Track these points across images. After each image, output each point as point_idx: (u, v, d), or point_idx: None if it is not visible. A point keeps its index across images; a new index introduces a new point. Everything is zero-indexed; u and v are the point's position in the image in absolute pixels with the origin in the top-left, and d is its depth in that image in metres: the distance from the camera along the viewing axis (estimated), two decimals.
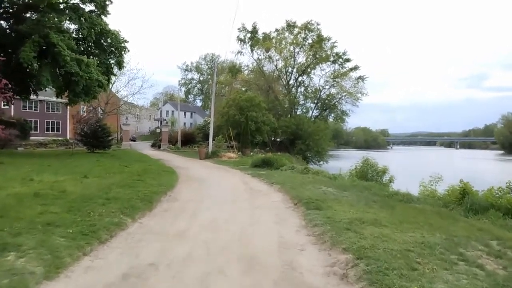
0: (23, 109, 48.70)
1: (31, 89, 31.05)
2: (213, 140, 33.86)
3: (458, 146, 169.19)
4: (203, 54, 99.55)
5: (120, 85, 54.02)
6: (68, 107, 45.56)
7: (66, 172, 13.86)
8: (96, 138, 33.87)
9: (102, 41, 31.96)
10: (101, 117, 51.82)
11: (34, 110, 50.34)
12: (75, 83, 26.68)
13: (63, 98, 32.12)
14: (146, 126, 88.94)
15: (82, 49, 31.80)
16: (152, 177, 13.61)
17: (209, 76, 70.35)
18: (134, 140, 71.06)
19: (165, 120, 65.12)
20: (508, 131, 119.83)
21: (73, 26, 30.23)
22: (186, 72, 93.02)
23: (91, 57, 31.06)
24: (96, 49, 32.29)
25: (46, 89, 29.88)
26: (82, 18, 28.67)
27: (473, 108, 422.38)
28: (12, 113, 46.56)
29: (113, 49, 32.99)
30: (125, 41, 33.19)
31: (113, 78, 52.13)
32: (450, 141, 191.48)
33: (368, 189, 11.72)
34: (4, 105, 35.99)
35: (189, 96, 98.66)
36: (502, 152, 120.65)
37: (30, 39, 25.39)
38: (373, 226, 6.40)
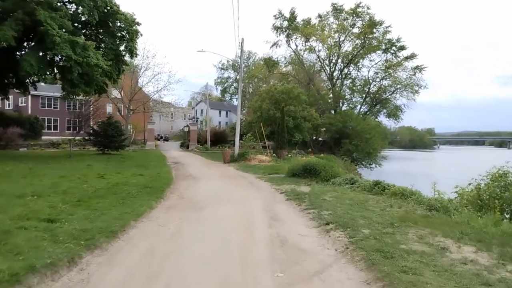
0: (41, 106, 45.21)
1: (28, 81, 26.31)
2: (241, 139, 27.55)
3: (510, 146, 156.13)
4: (239, 52, 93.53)
5: (145, 80, 49.01)
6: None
7: None
8: (107, 137, 28.77)
9: (110, 24, 26.63)
10: (129, 115, 47.34)
11: (54, 108, 46.51)
12: (68, 69, 21.36)
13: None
14: (181, 125, 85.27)
15: (87, 33, 26.83)
16: (103, 205, 7.45)
17: (245, 75, 64.35)
18: (167, 140, 67.93)
19: (194, 118, 59.96)
20: None
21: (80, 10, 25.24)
22: (222, 70, 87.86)
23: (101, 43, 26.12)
24: (105, 34, 27.02)
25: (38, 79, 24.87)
26: None
27: None
28: (30, 111, 43.02)
29: (123, 33, 27.67)
30: (137, 23, 27.84)
31: (140, 71, 48.00)
32: (501, 141, 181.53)
33: None
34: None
35: (225, 95, 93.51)
36: None
37: (12, 16, 20.47)
38: None
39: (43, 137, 38.43)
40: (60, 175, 12.70)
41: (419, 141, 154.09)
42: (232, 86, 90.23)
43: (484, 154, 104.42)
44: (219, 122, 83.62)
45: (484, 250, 4.99)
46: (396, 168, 49.61)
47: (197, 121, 69.37)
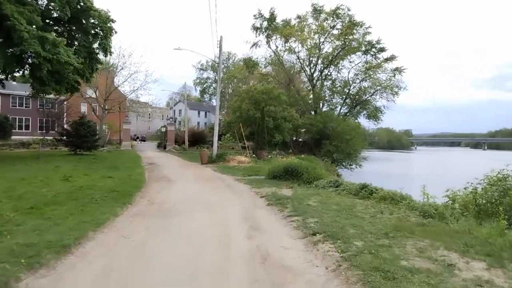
0: (12, 106, 43.15)
1: None
2: (220, 140, 26.64)
3: (485, 147, 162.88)
4: (218, 52, 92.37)
5: (121, 79, 47.49)
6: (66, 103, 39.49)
7: None
8: (79, 137, 27.50)
9: (83, 20, 25.37)
10: (104, 114, 45.68)
11: (26, 107, 44.48)
12: (37, 66, 20.15)
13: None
14: (159, 125, 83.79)
15: (58, 30, 25.49)
16: (59, 213, 6.54)
17: (225, 75, 63.56)
18: (144, 140, 66.62)
19: (172, 118, 58.74)
20: None
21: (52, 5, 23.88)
22: (201, 71, 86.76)
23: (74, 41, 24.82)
24: (77, 31, 25.74)
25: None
26: None
27: (498, 109, 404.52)
28: None
29: (97, 30, 26.45)
30: (112, 20, 26.68)
31: (116, 70, 46.38)
32: (476, 142, 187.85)
33: None
34: None
35: (204, 96, 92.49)
36: None
37: None
38: None
39: (13, 137, 36.87)
40: (21, 178, 11.66)
41: (397, 142, 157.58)
42: (211, 87, 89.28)
43: (459, 155, 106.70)
44: (198, 123, 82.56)
45: (497, 267, 4.40)
46: (376, 168, 49.74)
47: (175, 121, 68.03)
